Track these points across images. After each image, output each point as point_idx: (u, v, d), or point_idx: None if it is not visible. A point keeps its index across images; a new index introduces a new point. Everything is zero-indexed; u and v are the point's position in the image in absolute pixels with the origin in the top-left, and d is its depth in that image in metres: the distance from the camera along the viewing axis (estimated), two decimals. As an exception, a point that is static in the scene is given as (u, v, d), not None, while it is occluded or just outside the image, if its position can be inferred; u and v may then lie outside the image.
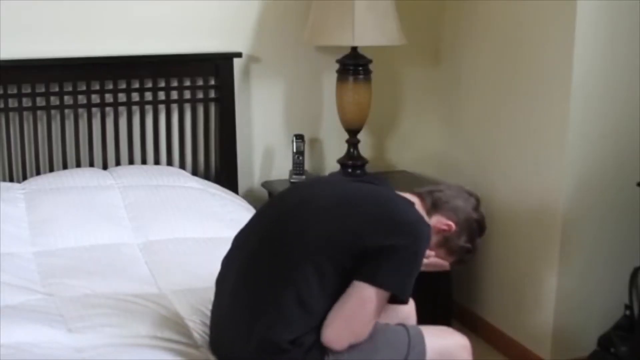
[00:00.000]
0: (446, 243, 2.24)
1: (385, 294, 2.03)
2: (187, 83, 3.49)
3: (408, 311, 2.42)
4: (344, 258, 2.02)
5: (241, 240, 2.22)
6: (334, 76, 3.52)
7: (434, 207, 2.24)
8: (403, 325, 2.22)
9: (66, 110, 3.36)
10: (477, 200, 2.32)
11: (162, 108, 3.49)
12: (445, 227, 2.22)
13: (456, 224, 2.23)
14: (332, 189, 2.22)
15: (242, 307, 2.08)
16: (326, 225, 2.06)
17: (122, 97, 3.41)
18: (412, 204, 2.18)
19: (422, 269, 2.19)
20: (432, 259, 2.23)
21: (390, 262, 2.00)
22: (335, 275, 2.03)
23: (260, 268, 2.08)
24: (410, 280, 2.04)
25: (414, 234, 2.05)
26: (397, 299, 2.07)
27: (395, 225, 2.05)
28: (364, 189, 2.20)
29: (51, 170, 3.34)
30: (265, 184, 3.61)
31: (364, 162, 3.57)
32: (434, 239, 2.19)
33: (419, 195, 2.27)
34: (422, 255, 2.07)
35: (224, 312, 2.15)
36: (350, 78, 3.46)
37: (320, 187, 2.28)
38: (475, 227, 2.28)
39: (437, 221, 2.22)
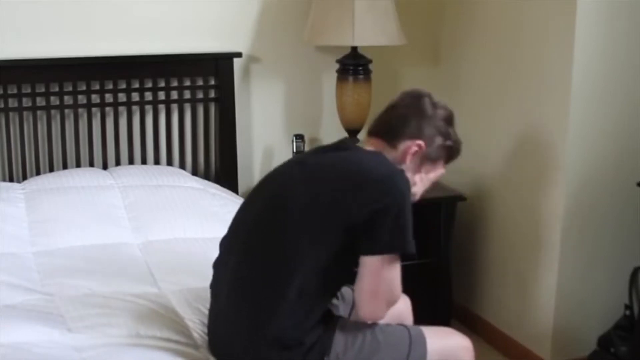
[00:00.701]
0: (426, 157, 2.20)
1: (392, 257, 2.03)
2: (187, 83, 3.49)
3: (403, 309, 2.41)
4: (338, 235, 2.01)
5: (229, 243, 2.21)
6: (334, 76, 3.52)
7: (394, 137, 2.18)
8: (404, 325, 2.22)
9: (66, 110, 3.36)
10: (427, 95, 2.24)
11: (162, 108, 3.49)
12: (416, 149, 2.17)
13: (423, 139, 2.18)
14: (302, 171, 2.15)
15: (239, 308, 2.08)
16: (309, 209, 2.04)
17: (122, 97, 3.41)
18: (378, 153, 2.14)
19: (424, 189, 2.20)
20: (424, 178, 2.21)
21: (382, 226, 1.99)
22: (338, 256, 2.02)
23: (253, 268, 2.08)
24: (407, 234, 2.02)
25: (392, 188, 2.02)
26: (405, 255, 2.05)
27: (372, 187, 2.02)
28: (330, 161, 2.14)
29: (51, 170, 3.35)
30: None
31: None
32: (414, 161, 2.17)
33: (376, 135, 2.22)
34: (409, 205, 2.04)
35: (221, 312, 2.15)
36: (350, 78, 3.46)
37: (290, 173, 2.21)
38: (443, 124, 2.22)
39: (405, 148, 2.17)
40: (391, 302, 2.10)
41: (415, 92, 2.28)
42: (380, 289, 2.05)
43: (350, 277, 2.10)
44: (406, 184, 2.06)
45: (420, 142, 2.17)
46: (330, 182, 2.06)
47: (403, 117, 2.21)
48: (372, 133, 2.25)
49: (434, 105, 2.23)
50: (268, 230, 2.08)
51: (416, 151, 2.18)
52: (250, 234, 2.13)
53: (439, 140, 2.20)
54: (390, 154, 2.16)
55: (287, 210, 2.06)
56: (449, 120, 2.25)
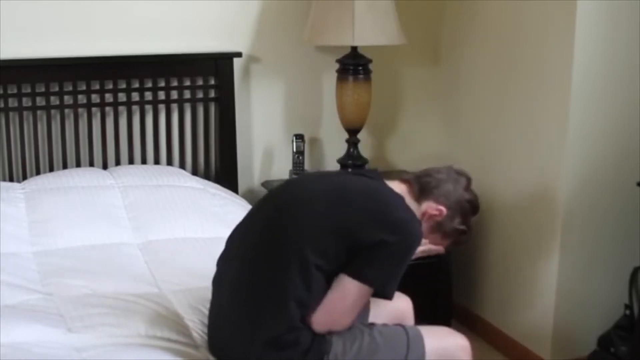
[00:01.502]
0: (439, 227, 2.23)
1: (367, 289, 2.04)
2: (187, 83, 3.49)
3: (405, 309, 2.42)
4: (340, 252, 2.03)
5: (236, 240, 2.22)
6: (334, 76, 3.52)
7: (423, 193, 2.22)
8: (402, 326, 2.23)
9: (66, 110, 3.36)
10: (468, 179, 2.30)
11: (162, 108, 3.49)
12: (436, 213, 2.20)
13: (447, 207, 2.21)
14: (323, 184, 2.21)
15: (241, 306, 2.08)
16: (320, 221, 2.06)
17: (122, 97, 3.41)
18: (402, 198, 2.16)
19: (418, 255, 2.19)
20: (426, 246, 2.23)
21: (377, 258, 2.01)
22: (334, 270, 2.03)
23: (257, 267, 2.08)
24: (394, 278, 2.05)
25: (405, 232, 2.05)
26: (380, 295, 2.08)
27: (388, 222, 2.05)
28: (355, 182, 2.19)
29: (51, 170, 3.34)
30: (265, 184, 3.61)
31: (363, 161, 3.57)
32: (427, 225, 2.20)
33: (407, 182, 2.25)
34: (411, 254, 2.07)
35: (222, 312, 2.15)
36: (350, 78, 3.46)
37: (312, 183, 2.27)
38: (468, 208, 2.26)
39: (427, 207, 2.20)
40: (336, 326, 2.08)
41: (460, 170, 2.33)
42: (337, 308, 2.06)
43: None
44: (419, 236, 2.10)
45: (443, 208, 2.21)
46: (353, 207, 2.08)
47: (439, 180, 2.24)
48: (404, 180, 2.27)
49: (469, 188, 2.28)
50: (275, 237, 2.09)
51: (435, 215, 2.21)
52: (257, 236, 2.14)
53: (457, 220, 2.24)
54: (412, 207, 2.18)
55: (299, 220, 2.08)
56: (475, 209, 2.30)
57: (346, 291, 2.04)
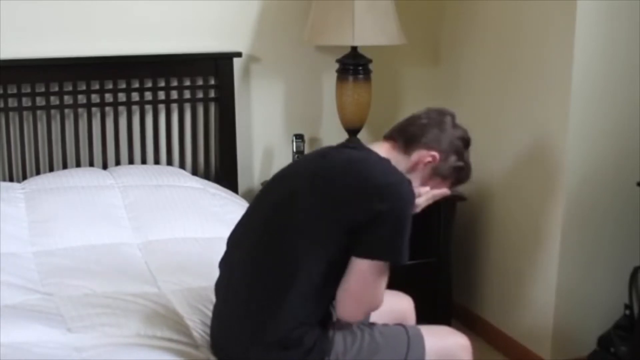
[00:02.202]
0: (437, 171, 2.19)
1: (381, 264, 2.02)
2: (187, 83, 3.49)
3: (406, 308, 2.42)
4: (340, 238, 2.01)
5: (235, 241, 2.22)
6: (334, 76, 3.52)
7: (410, 144, 2.18)
8: (402, 325, 2.22)
9: (66, 110, 3.36)
10: (452, 115, 2.26)
11: (162, 108, 3.49)
12: (429, 159, 2.16)
13: (439, 151, 2.17)
14: (307, 171, 2.16)
15: (243, 306, 2.08)
16: (312, 210, 2.04)
17: (122, 97, 3.41)
18: (387, 161, 2.13)
19: (424, 205, 2.17)
20: (429, 193, 2.19)
21: (378, 231, 1.99)
22: (340, 257, 2.02)
23: (260, 267, 2.08)
24: (401, 244, 2.01)
25: (396, 196, 2.01)
26: (395, 263, 2.05)
27: (376, 191, 2.01)
28: (336, 160, 2.13)
29: (51, 170, 3.34)
30: (265, 184, 3.60)
31: (364, 162, 3.56)
32: (423, 172, 2.17)
33: (391, 139, 2.22)
34: (409, 214, 2.04)
35: (224, 312, 2.15)
36: (350, 78, 3.46)
37: (297, 173, 2.21)
38: (460, 144, 2.22)
39: (419, 156, 2.16)
40: (371, 308, 2.10)
41: (440, 108, 2.29)
42: (363, 292, 2.04)
43: None
44: (410, 194, 2.05)
45: (435, 153, 2.17)
46: (337, 186, 2.05)
47: (423, 126, 2.20)
48: (387, 136, 2.24)
49: (455, 125, 2.25)
50: (272, 232, 2.08)
51: (429, 162, 2.17)
52: (255, 235, 2.13)
53: (452, 159, 2.20)
54: (402, 161, 2.15)
55: (292, 213, 2.06)
56: (467, 143, 2.26)
57: (363, 273, 2.02)
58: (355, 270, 2.02)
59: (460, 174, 2.25)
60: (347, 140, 2.34)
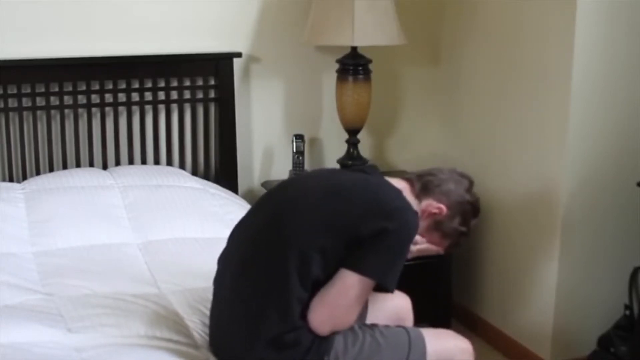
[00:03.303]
0: (439, 227, 2.22)
1: (368, 282, 2.03)
2: (187, 83, 3.49)
3: (403, 308, 2.42)
4: (339, 248, 2.01)
5: (237, 238, 2.22)
6: (334, 76, 3.52)
7: (424, 191, 2.21)
8: (403, 327, 2.22)
9: (66, 110, 3.36)
10: (470, 182, 2.29)
11: (162, 108, 3.49)
12: (436, 211, 2.19)
13: (448, 207, 2.20)
14: (322, 181, 2.20)
15: (241, 306, 2.08)
16: (319, 217, 2.05)
17: (122, 97, 3.41)
18: (399, 191, 2.16)
19: (416, 254, 2.20)
20: (424, 245, 2.22)
21: (375, 250, 2.00)
22: (332, 268, 2.02)
23: (258, 266, 2.08)
24: (395, 269, 2.03)
25: (400, 220, 2.03)
26: (382, 287, 2.06)
27: (383, 212, 2.03)
28: (352, 178, 2.18)
29: (51, 170, 3.34)
30: (265, 184, 3.61)
31: (363, 162, 3.57)
32: (426, 223, 2.19)
33: (408, 180, 2.25)
34: (409, 243, 2.06)
35: (223, 311, 2.15)
36: (350, 78, 3.46)
37: (308, 180, 2.27)
38: (469, 209, 2.25)
39: (427, 205, 2.19)
40: (339, 322, 2.06)
41: (463, 172, 2.33)
42: (339, 304, 2.03)
43: None
44: (415, 224, 2.08)
45: (443, 207, 2.20)
46: (348, 198, 2.07)
47: (441, 180, 2.24)
48: (406, 178, 2.27)
49: (470, 190, 2.27)
50: (274, 235, 2.09)
51: (435, 213, 2.19)
52: (256, 235, 2.13)
53: (457, 221, 2.23)
54: (413, 204, 2.17)
55: (299, 217, 2.07)
56: (476, 211, 2.28)
57: (347, 286, 2.01)
58: (340, 280, 2.02)
59: (460, 238, 2.28)
60: (365, 165, 2.37)
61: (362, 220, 2.02)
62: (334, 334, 2.08)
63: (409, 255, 2.16)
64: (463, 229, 2.25)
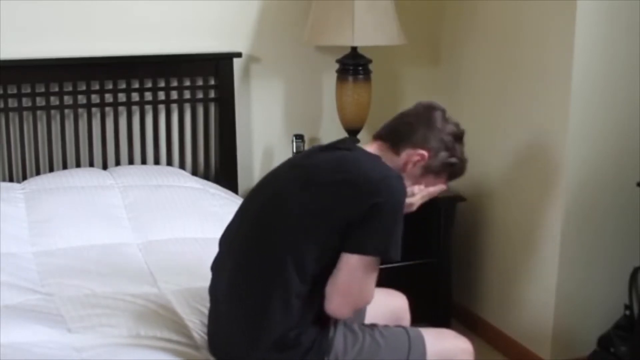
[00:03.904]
0: (428, 169, 2.18)
1: (372, 259, 2.01)
2: (187, 83, 3.49)
3: (400, 306, 2.41)
4: (332, 236, 2.00)
5: (227, 243, 2.21)
6: (334, 76, 3.52)
7: (399, 143, 2.16)
8: (403, 327, 2.22)
9: (66, 110, 3.36)
10: (442, 110, 2.23)
11: (162, 108, 3.49)
12: (417, 158, 2.15)
13: (427, 150, 2.15)
14: (298, 172, 2.15)
15: (239, 309, 2.08)
16: (304, 211, 2.03)
17: (122, 97, 3.41)
18: (378, 158, 2.12)
19: (422, 201, 2.17)
20: (424, 191, 2.18)
21: (369, 226, 1.98)
22: (332, 257, 2.01)
23: (251, 268, 2.07)
24: (394, 239, 2.01)
25: (388, 190, 2.01)
26: (387, 260, 2.04)
27: (369, 186, 2.01)
28: (326, 160, 2.12)
29: (51, 170, 3.35)
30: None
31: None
32: (414, 171, 2.16)
33: (379, 138, 2.20)
34: (401, 209, 2.03)
35: (220, 317, 2.15)
36: (350, 78, 3.46)
37: (287, 173, 2.20)
38: (450, 139, 2.20)
39: (407, 155, 2.15)
40: (359, 304, 2.09)
41: (429, 103, 2.27)
42: (352, 287, 2.03)
43: None
44: (401, 190, 2.04)
45: (423, 152, 2.15)
46: (328, 184, 2.05)
47: (410, 125, 2.19)
48: (376, 136, 2.23)
49: (445, 119, 2.22)
50: (265, 232, 2.08)
51: (417, 160, 2.16)
52: (247, 235, 2.13)
53: (443, 155, 2.18)
54: (392, 161, 2.14)
55: (285, 213, 2.06)
56: (458, 137, 2.23)
57: (352, 269, 2.01)
58: (344, 265, 2.01)
59: (453, 168, 2.23)
60: (339, 140, 2.32)
61: (348, 206, 1.99)
62: (333, 334, 2.08)
63: (414, 209, 2.15)
64: (452, 159, 2.20)
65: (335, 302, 2.04)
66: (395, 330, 2.18)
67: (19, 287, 2.53)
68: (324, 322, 2.10)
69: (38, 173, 3.33)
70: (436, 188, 2.21)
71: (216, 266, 2.22)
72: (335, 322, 2.12)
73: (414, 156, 2.15)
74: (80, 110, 3.37)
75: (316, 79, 3.71)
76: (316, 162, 2.14)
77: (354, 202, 1.99)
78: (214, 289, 2.20)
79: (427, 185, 2.20)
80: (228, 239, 2.22)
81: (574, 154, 3.05)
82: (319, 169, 2.10)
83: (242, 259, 2.11)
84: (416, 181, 2.17)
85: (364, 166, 2.07)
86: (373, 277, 2.05)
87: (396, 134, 2.19)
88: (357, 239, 1.99)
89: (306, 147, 3.57)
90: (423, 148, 2.16)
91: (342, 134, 3.56)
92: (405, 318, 2.42)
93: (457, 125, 2.24)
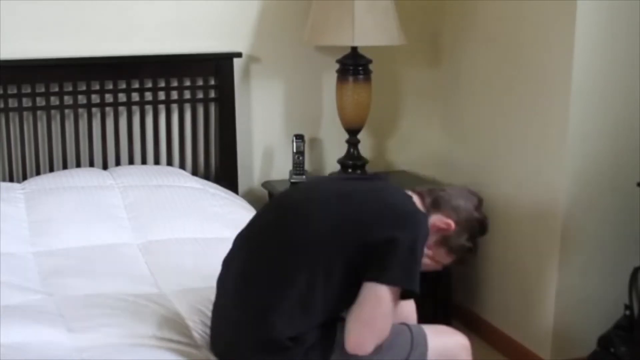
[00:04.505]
0: (446, 242, 2.22)
1: (396, 290, 2.03)
2: (187, 83, 3.49)
3: (408, 310, 2.42)
4: (349, 253, 2.02)
5: (242, 240, 2.22)
6: (334, 76, 3.52)
7: (434, 205, 2.22)
8: (406, 324, 2.23)
9: (66, 110, 3.36)
10: (480, 200, 2.30)
11: (162, 108, 3.49)
12: (444, 226, 2.19)
13: (456, 223, 2.20)
14: (331, 187, 2.23)
15: (243, 307, 2.08)
16: (328, 222, 2.06)
17: (122, 97, 3.41)
18: (410, 197, 2.18)
19: (426, 269, 2.19)
20: (427, 259, 2.20)
21: (394, 257, 2.00)
22: (343, 272, 2.02)
23: (262, 268, 2.08)
24: (416, 271, 2.04)
25: (412, 223, 2.05)
26: (407, 292, 2.06)
27: (394, 216, 2.05)
28: (362, 184, 2.21)
29: (51, 170, 3.35)
30: (265, 184, 3.61)
31: (364, 162, 3.57)
32: (433, 237, 2.19)
33: (419, 193, 2.26)
34: (423, 244, 2.07)
35: (225, 312, 2.15)
36: (350, 78, 3.46)
37: (320, 185, 2.29)
38: (477, 226, 2.26)
39: (436, 220, 2.20)
40: (380, 336, 2.06)
41: (473, 190, 2.34)
42: (376, 318, 2.03)
43: (351, 299, 2.06)
44: (427, 226, 2.09)
45: (452, 222, 2.20)
46: (358, 204, 2.09)
47: (451, 196, 2.25)
48: (415, 190, 2.27)
49: (480, 210, 2.28)
50: (281, 239, 2.10)
51: (442, 229, 2.19)
52: (263, 239, 2.14)
53: (464, 237, 2.23)
54: None
55: (308, 223, 2.08)
56: (482, 230, 2.29)
57: (380, 299, 2.01)
58: (370, 295, 2.01)
59: (466, 254, 2.28)
60: (374, 173, 2.38)
61: (372, 226, 2.03)
62: (335, 332, 2.08)
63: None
64: (469, 245, 2.25)
65: (359, 335, 2.02)
66: (397, 327, 2.18)
67: (19, 287, 2.53)
68: (329, 321, 2.10)
69: (38, 173, 3.33)
70: (434, 266, 2.26)
71: (227, 261, 2.23)
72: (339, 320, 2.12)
73: (442, 223, 2.19)
74: (80, 110, 3.37)
75: (316, 79, 3.71)
76: (354, 183, 2.23)
77: (378, 226, 2.03)
78: (221, 283, 2.21)
79: (434, 256, 2.23)
80: (245, 236, 2.22)
81: (574, 153, 3.05)
82: (355, 189, 2.17)
83: (255, 260, 2.12)
84: (429, 247, 2.19)
85: (395, 198, 2.14)
86: (395, 309, 2.07)
87: (435, 196, 2.24)
88: (382, 269, 2.00)
89: (306, 147, 3.57)
90: (452, 219, 2.20)
91: (342, 134, 3.56)
92: (412, 320, 2.42)
93: (486, 219, 2.30)
